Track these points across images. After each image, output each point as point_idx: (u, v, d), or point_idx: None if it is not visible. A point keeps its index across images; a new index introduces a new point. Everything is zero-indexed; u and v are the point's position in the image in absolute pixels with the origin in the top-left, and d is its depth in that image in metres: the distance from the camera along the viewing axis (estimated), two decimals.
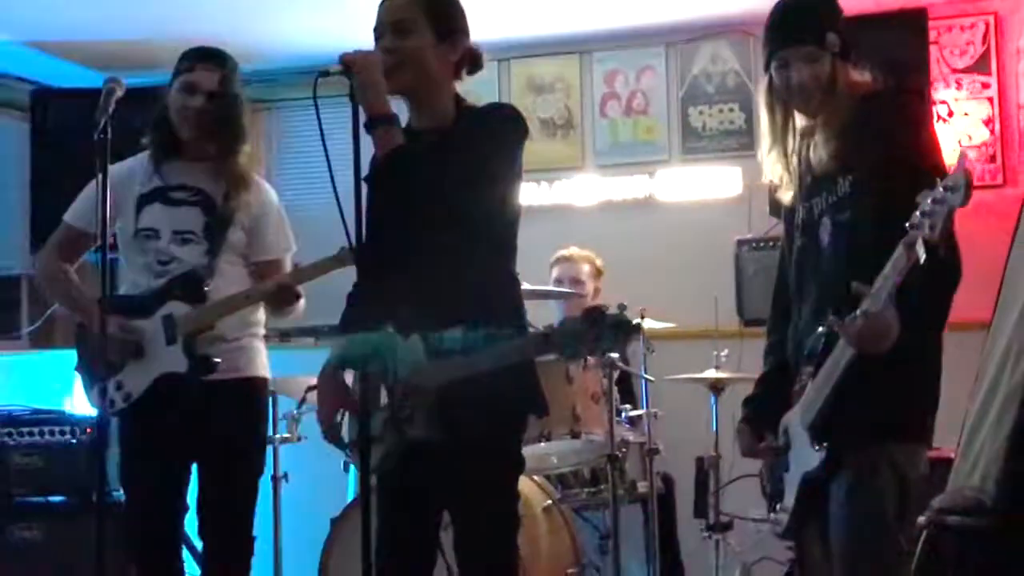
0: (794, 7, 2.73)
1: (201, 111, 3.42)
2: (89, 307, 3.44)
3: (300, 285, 3.42)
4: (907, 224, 2.25)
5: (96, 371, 3.38)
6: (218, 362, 3.36)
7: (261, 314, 3.63)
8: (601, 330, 2.34)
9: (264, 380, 3.62)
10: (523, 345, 2.56)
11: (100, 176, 2.93)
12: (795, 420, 2.65)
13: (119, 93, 3.01)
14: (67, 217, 3.62)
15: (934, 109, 2.87)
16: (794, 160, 2.76)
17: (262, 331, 3.65)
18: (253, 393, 3.57)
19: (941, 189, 2.21)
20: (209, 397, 3.35)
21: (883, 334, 2.35)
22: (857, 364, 2.44)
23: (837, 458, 2.55)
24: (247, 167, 3.52)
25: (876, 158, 2.54)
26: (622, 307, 2.45)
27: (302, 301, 3.50)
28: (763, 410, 2.82)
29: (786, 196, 2.81)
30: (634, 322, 2.39)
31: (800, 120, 2.75)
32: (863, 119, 2.61)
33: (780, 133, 2.76)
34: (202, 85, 3.42)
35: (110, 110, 2.95)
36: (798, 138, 2.76)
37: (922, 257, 2.22)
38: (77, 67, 5.91)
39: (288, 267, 3.59)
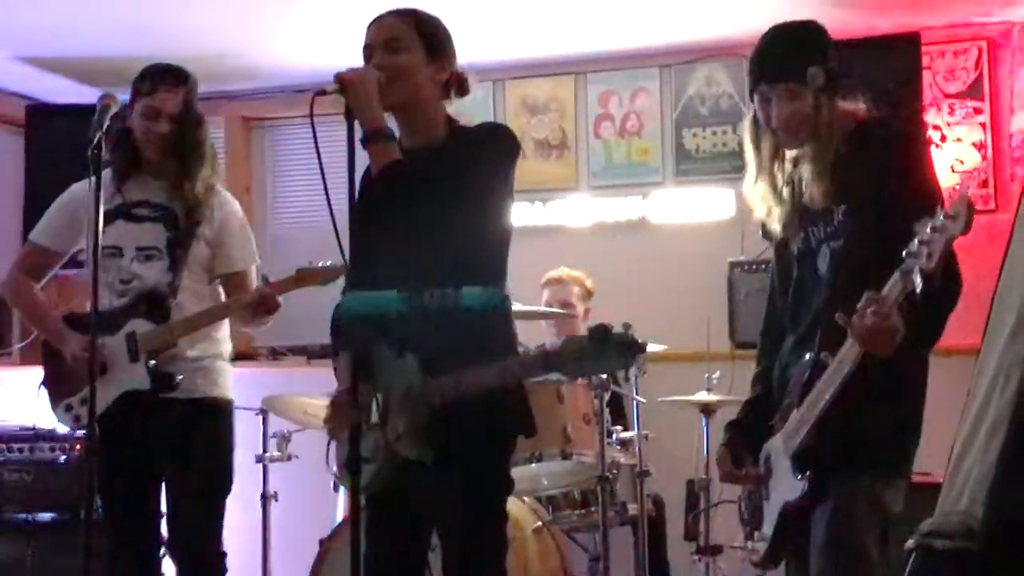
0: (777, 41, 2.70)
1: (166, 136, 3.46)
2: (53, 324, 3.56)
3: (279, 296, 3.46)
4: (904, 252, 2.25)
5: (60, 387, 3.46)
6: (180, 379, 3.41)
7: (225, 335, 3.65)
8: (607, 349, 2.31)
9: (227, 401, 3.63)
10: (524, 364, 2.55)
11: (94, 191, 2.93)
12: (778, 447, 2.62)
13: (114, 109, 3.02)
14: (32, 235, 3.67)
15: (928, 134, 2.82)
16: (786, 190, 2.74)
17: (227, 353, 3.67)
18: (213, 413, 3.58)
19: (942, 217, 2.20)
20: (169, 416, 3.40)
21: (888, 336, 2.33)
22: (843, 396, 2.42)
23: (819, 489, 2.52)
24: (208, 182, 3.54)
25: (871, 188, 2.54)
26: (627, 326, 2.40)
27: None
28: (745, 435, 2.80)
29: (775, 226, 2.78)
30: (641, 341, 2.35)
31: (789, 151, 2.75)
32: (854, 151, 2.61)
33: (767, 164, 2.73)
34: (165, 108, 3.46)
35: (104, 126, 2.96)
36: (788, 166, 2.74)
37: (918, 287, 2.21)
38: (73, 83, 5.92)
39: (253, 278, 3.63)
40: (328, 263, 3.47)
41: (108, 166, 3.52)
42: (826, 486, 2.52)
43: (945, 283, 2.33)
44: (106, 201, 3.48)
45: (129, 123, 3.46)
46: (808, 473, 2.51)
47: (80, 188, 3.55)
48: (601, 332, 2.32)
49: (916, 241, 2.22)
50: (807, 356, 2.57)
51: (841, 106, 2.67)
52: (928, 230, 2.21)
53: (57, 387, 3.54)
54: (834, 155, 2.61)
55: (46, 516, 4.70)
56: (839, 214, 2.61)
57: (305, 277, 3.51)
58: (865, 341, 2.35)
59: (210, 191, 3.56)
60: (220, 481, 3.60)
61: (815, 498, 2.53)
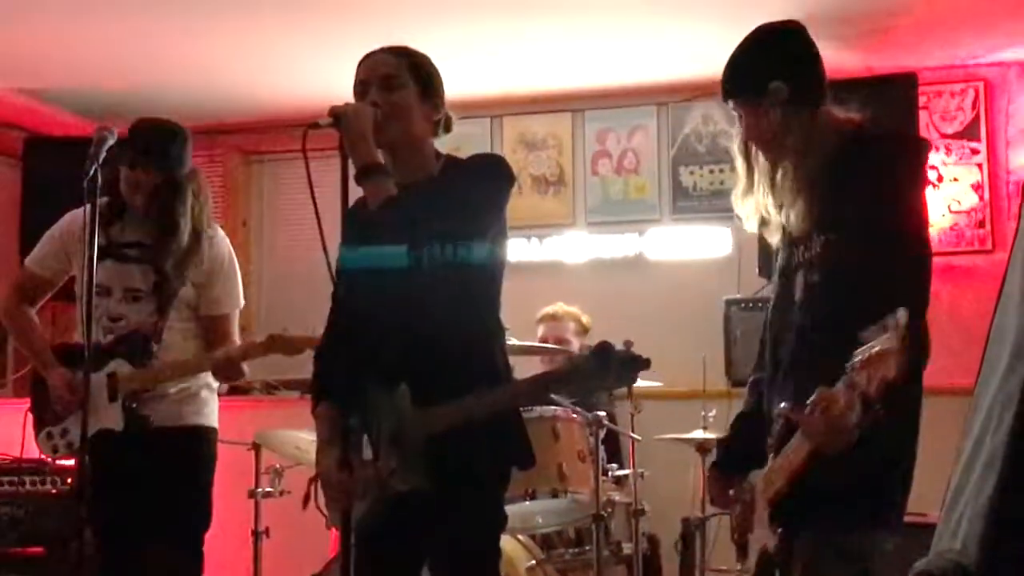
0: (739, 58, 2.59)
1: (144, 206, 3.51)
2: (42, 352, 3.59)
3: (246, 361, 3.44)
4: (848, 364, 2.05)
5: (44, 415, 3.52)
6: (152, 423, 3.42)
7: None
8: (610, 366, 2.28)
9: (211, 430, 3.63)
10: (525, 389, 2.52)
11: (87, 222, 2.94)
12: (759, 488, 2.53)
13: (110, 141, 3.03)
14: (28, 261, 3.70)
15: (926, 162, 2.62)
16: (769, 203, 2.59)
17: (213, 382, 3.66)
18: (196, 443, 3.58)
19: (876, 351, 1.99)
20: (151, 447, 3.40)
21: (842, 436, 2.14)
22: (816, 455, 2.27)
23: (791, 544, 2.42)
24: (186, 244, 3.52)
25: (855, 220, 2.38)
26: (629, 344, 2.36)
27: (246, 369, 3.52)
28: (735, 456, 2.70)
29: (774, 238, 2.65)
30: (645, 358, 2.31)
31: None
32: (841, 169, 2.44)
33: (757, 178, 2.60)
34: (142, 186, 3.49)
35: (101, 158, 2.96)
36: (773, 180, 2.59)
37: (857, 416, 2.06)
38: (71, 116, 5.93)
39: (235, 322, 3.64)
40: (301, 332, 3.47)
41: (103, 199, 3.54)
42: (798, 543, 2.42)
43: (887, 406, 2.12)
44: (97, 236, 3.51)
45: (120, 173, 3.48)
46: (780, 530, 2.42)
47: (73, 218, 3.58)
48: (603, 349, 2.28)
49: (857, 358, 2.03)
50: (783, 404, 2.42)
51: (831, 115, 2.54)
52: (865, 355, 2.01)
53: (41, 415, 3.57)
54: (819, 171, 2.46)
55: (36, 550, 4.65)
56: (818, 244, 2.46)
57: (275, 344, 3.47)
58: (813, 441, 2.22)
59: (196, 240, 3.56)
60: (201, 512, 3.61)
61: (787, 553, 2.43)
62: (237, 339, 3.64)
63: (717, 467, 2.76)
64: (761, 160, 2.59)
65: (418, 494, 2.47)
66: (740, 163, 2.65)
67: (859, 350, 2.03)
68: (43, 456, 3.60)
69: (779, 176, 2.52)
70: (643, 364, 2.29)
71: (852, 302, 2.25)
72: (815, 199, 2.45)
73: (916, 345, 2.14)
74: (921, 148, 2.61)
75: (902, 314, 1.96)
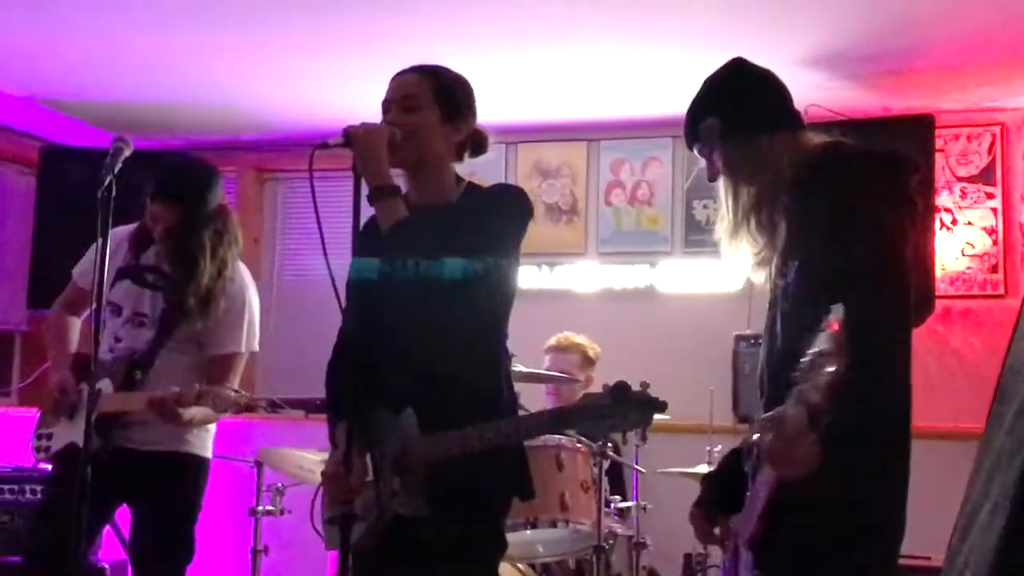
0: (688, 108, 2.59)
1: (161, 240, 3.52)
2: (59, 358, 3.61)
3: (190, 409, 3.34)
4: (795, 372, 1.91)
5: (44, 417, 3.55)
6: (128, 446, 3.38)
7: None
8: (626, 407, 2.25)
9: (193, 457, 3.57)
10: (536, 421, 2.49)
11: (100, 234, 2.92)
12: (737, 530, 2.43)
13: (126, 153, 3.01)
14: (74, 272, 3.72)
15: (903, 180, 2.32)
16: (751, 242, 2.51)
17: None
18: (175, 470, 3.52)
19: (816, 352, 1.85)
20: (124, 470, 3.35)
21: (796, 460, 1.97)
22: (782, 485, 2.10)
23: None
24: (208, 284, 3.48)
25: (815, 244, 2.26)
26: (645, 384, 2.33)
27: (199, 414, 3.41)
28: (719, 493, 2.61)
29: (758, 276, 2.57)
30: (662, 400, 2.28)
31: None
32: (804, 190, 2.32)
33: (742, 216, 2.50)
34: (160, 220, 3.49)
35: (116, 169, 2.95)
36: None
37: (802, 424, 1.89)
38: (87, 126, 5.95)
39: (238, 366, 3.59)
40: (233, 391, 3.42)
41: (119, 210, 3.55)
42: None
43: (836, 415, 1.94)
44: (123, 259, 3.55)
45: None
46: (757, 572, 2.30)
47: (115, 233, 3.53)
48: (621, 390, 2.25)
49: (800, 371, 1.89)
50: (755, 436, 2.21)
51: (796, 140, 2.44)
52: (808, 362, 1.87)
53: (44, 416, 3.58)
54: (782, 197, 2.36)
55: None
56: (792, 271, 2.35)
57: (204, 398, 3.36)
58: (773, 465, 2.05)
59: (219, 279, 3.52)
60: (176, 546, 3.53)
61: None
62: (236, 381, 3.59)
63: (699, 505, 2.64)
64: (742, 196, 2.50)
65: (418, 519, 2.46)
66: (723, 203, 2.56)
67: (801, 361, 1.90)
68: (36, 456, 3.59)
69: (752, 217, 2.45)
70: (660, 406, 2.26)
71: (812, 329, 2.02)
72: (781, 226, 2.37)
73: (871, 368, 2.02)
74: (895, 166, 2.38)
75: (836, 311, 1.84)
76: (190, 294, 3.45)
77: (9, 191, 6.26)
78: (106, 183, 2.91)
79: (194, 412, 3.38)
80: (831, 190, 2.27)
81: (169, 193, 3.48)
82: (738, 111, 2.49)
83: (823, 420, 1.88)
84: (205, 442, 3.61)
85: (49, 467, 3.62)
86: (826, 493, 2.09)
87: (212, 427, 3.63)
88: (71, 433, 3.42)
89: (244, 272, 3.66)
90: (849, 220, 2.21)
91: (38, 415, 3.60)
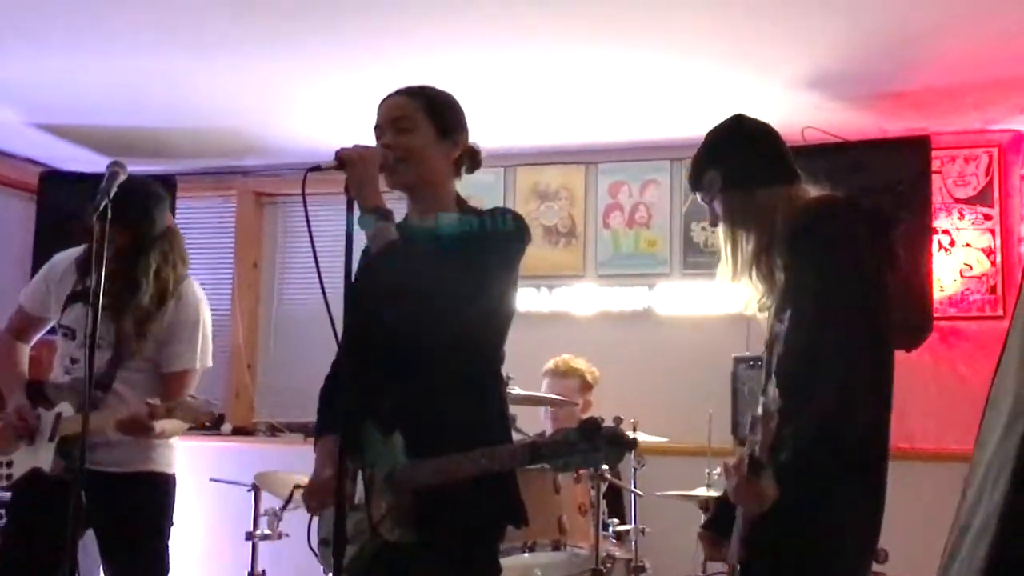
0: (693, 159, 2.79)
1: (111, 261, 3.48)
2: (10, 383, 3.63)
3: (160, 421, 3.38)
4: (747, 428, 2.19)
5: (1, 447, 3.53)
6: (93, 468, 3.33)
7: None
8: (596, 443, 2.27)
9: (158, 475, 3.59)
10: (510, 453, 2.50)
11: (95, 258, 2.93)
12: (731, 553, 2.54)
13: (122, 177, 3.03)
14: (21, 297, 3.76)
15: (875, 226, 2.59)
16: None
17: (170, 427, 3.58)
18: (144, 489, 3.55)
19: (759, 413, 2.13)
20: (93, 490, 3.31)
21: (754, 498, 2.29)
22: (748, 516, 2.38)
23: None
24: (156, 297, 3.54)
25: (800, 294, 2.47)
26: (618, 420, 2.38)
27: (170, 426, 3.46)
28: (727, 517, 2.68)
29: (760, 316, 2.74)
30: (631, 437, 2.32)
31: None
32: (795, 241, 2.52)
33: (743, 263, 2.70)
34: (112, 242, 3.47)
35: (111, 193, 2.96)
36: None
37: (744, 473, 2.20)
38: (86, 151, 5.97)
39: (192, 381, 3.63)
40: (204, 404, 3.45)
41: (84, 246, 3.56)
42: None
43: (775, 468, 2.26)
44: (74, 284, 3.59)
45: None
46: None
47: (60, 259, 3.69)
48: (590, 427, 2.28)
49: (749, 423, 2.17)
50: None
51: (792, 192, 2.63)
52: (751, 417, 2.16)
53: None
54: (777, 248, 2.56)
55: None
56: (786, 317, 2.51)
57: (177, 411, 3.42)
58: (734, 499, 2.37)
59: (160, 300, 3.57)
60: (150, 565, 3.55)
61: None
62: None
63: (707, 527, 2.82)
64: (742, 244, 2.69)
65: (406, 544, 2.45)
66: (722, 250, 2.74)
67: (752, 415, 2.15)
68: None
69: (749, 259, 2.64)
70: (629, 444, 2.31)
71: (789, 375, 2.35)
72: (778, 275, 2.56)
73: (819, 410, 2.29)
74: (877, 222, 2.60)
75: (772, 390, 2.12)
76: (128, 315, 3.50)
77: (9, 216, 6.26)
78: (100, 207, 2.92)
79: (164, 424, 3.41)
80: (820, 245, 2.46)
81: (121, 216, 3.48)
82: (737, 166, 2.68)
83: (771, 465, 2.18)
84: (170, 459, 3.63)
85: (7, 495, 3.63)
86: (790, 519, 2.31)
87: (175, 444, 3.65)
88: (33, 459, 3.44)
89: (196, 289, 3.69)
90: (826, 281, 2.41)
91: None
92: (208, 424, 3.58)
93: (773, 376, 2.45)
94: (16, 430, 3.46)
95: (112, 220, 3.45)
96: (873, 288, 2.47)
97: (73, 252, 3.64)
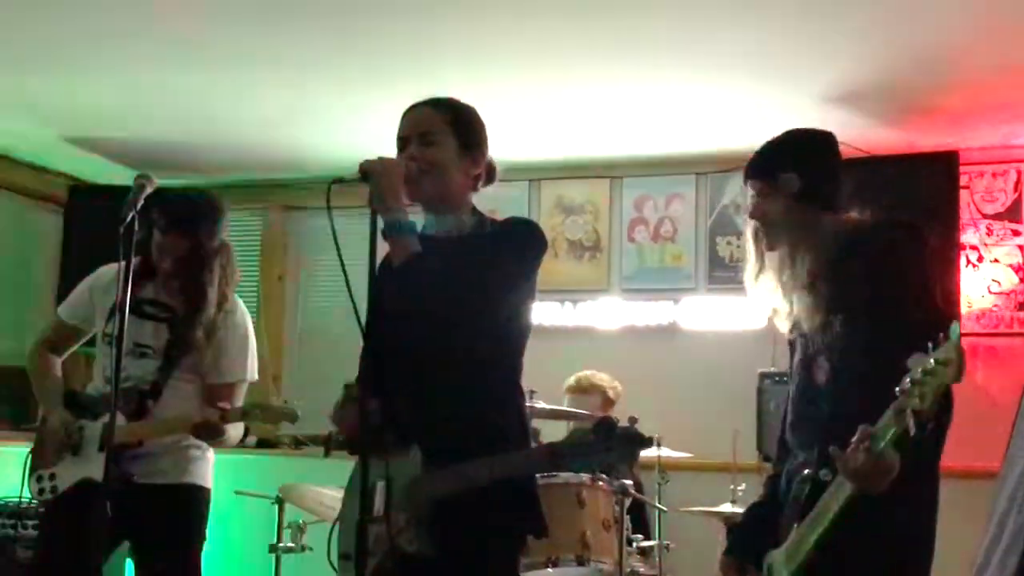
0: (766, 145, 2.74)
1: (170, 274, 3.56)
2: (51, 397, 3.61)
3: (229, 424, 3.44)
4: (897, 389, 2.12)
5: (39, 459, 3.53)
6: (135, 479, 3.39)
7: None
8: (611, 442, 2.26)
9: (196, 488, 3.60)
10: (527, 458, 2.49)
11: (123, 270, 2.94)
12: (779, 563, 2.53)
13: (149, 189, 3.05)
14: (59, 309, 3.77)
15: (927, 244, 2.72)
16: (779, 293, 2.69)
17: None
18: (181, 501, 3.55)
19: (932, 361, 2.06)
20: (134, 503, 3.34)
21: (883, 473, 2.23)
22: (844, 519, 2.33)
23: None
24: (211, 322, 3.56)
25: (861, 301, 2.47)
26: (633, 420, 2.35)
27: (234, 432, 3.52)
28: (748, 541, 2.73)
29: (784, 326, 2.75)
30: (646, 435, 2.30)
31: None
32: (848, 257, 2.54)
33: (766, 264, 2.71)
34: (170, 252, 3.53)
35: (139, 205, 2.98)
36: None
37: (912, 430, 2.10)
38: (115, 165, 6.01)
39: (241, 393, 3.65)
40: (284, 403, 3.55)
41: (137, 258, 3.58)
42: None
43: (939, 418, 2.22)
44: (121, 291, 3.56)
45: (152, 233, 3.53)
46: None
47: (105, 271, 3.65)
48: (605, 426, 2.27)
49: (908, 380, 2.10)
50: (806, 471, 2.49)
51: (840, 220, 2.63)
52: (920, 371, 2.08)
53: (37, 458, 3.57)
54: (820, 270, 2.56)
55: None
56: (837, 324, 2.54)
57: (253, 413, 3.50)
58: (856, 480, 2.26)
59: (218, 312, 3.59)
60: (181, 571, 3.56)
61: None
62: None
63: (729, 553, 2.78)
64: (771, 252, 2.69)
65: (425, 557, 2.44)
66: (751, 248, 2.75)
67: (909, 373, 2.07)
68: (34, 498, 3.58)
69: (785, 272, 2.63)
70: (645, 442, 2.30)
71: (876, 372, 2.26)
72: (822, 291, 2.55)
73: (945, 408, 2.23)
74: (918, 233, 2.69)
75: (955, 327, 2.02)
76: (198, 326, 3.52)
77: (38, 228, 6.32)
78: (128, 219, 2.94)
79: (228, 430, 3.46)
80: (870, 257, 2.50)
81: (179, 226, 3.52)
82: (819, 183, 2.66)
83: (925, 426, 2.09)
84: (207, 472, 3.64)
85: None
86: (874, 532, 2.32)
87: (212, 458, 3.66)
88: (82, 469, 3.43)
89: (241, 304, 3.73)
90: (890, 287, 2.45)
91: (30, 457, 3.59)
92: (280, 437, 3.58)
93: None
94: (58, 443, 3.47)
95: (175, 229, 3.50)
96: (926, 288, 2.53)
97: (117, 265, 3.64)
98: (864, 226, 2.62)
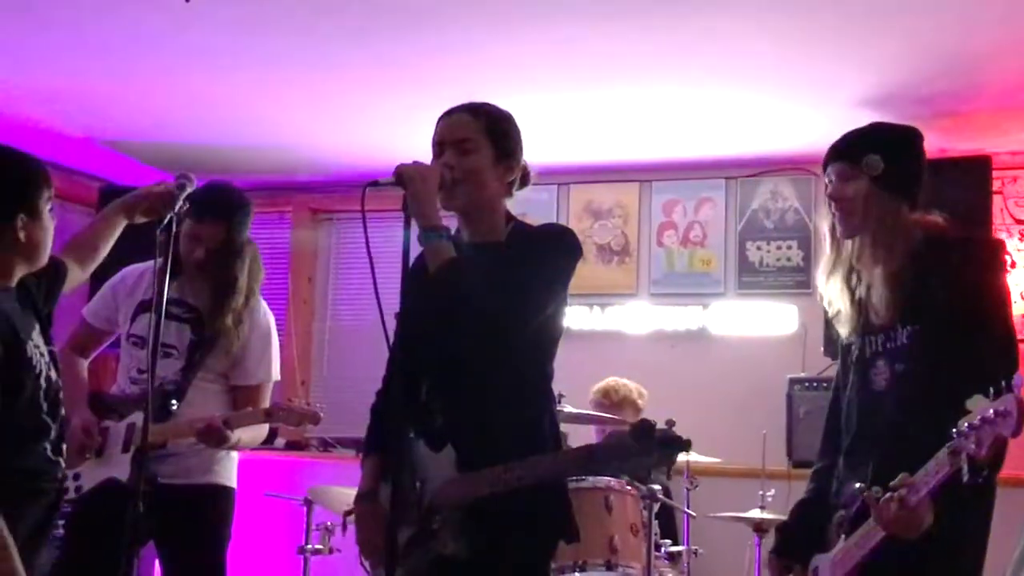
0: (851, 132, 2.71)
1: (201, 262, 3.54)
2: (77, 398, 3.57)
3: (233, 430, 3.42)
4: (955, 430, 2.12)
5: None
6: (158, 479, 3.37)
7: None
8: (649, 446, 2.23)
9: (220, 487, 3.60)
10: (564, 460, 2.48)
11: (159, 270, 2.94)
12: (825, 569, 2.52)
13: (189, 189, 3.05)
14: (84, 311, 3.77)
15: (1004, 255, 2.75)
16: (858, 291, 2.66)
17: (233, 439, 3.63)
18: (205, 501, 3.56)
19: (991, 412, 2.06)
20: (158, 503, 3.31)
21: (915, 525, 2.24)
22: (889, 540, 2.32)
23: None
24: (239, 314, 3.56)
25: (940, 311, 2.46)
26: (671, 423, 2.33)
27: (247, 435, 3.51)
28: (795, 542, 2.71)
29: (843, 329, 2.72)
30: (684, 438, 2.29)
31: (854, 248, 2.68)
32: (925, 265, 2.51)
33: (840, 261, 2.69)
34: (204, 240, 3.52)
35: (177, 206, 2.99)
36: (853, 269, 2.68)
37: (965, 476, 2.11)
38: (145, 167, 6.04)
39: (266, 395, 3.65)
40: (305, 404, 3.54)
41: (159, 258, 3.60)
42: None
43: (990, 475, 2.24)
44: (145, 292, 3.58)
45: (180, 230, 3.52)
46: None
47: (130, 271, 3.67)
48: (644, 429, 2.25)
49: (966, 423, 2.10)
50: (858, 485, 2.46)
51: (918, 216, 2.60)
52: (979, 419, 2.08)
53: None
54: (900, 265, 2.54)
55: None
56: (904, 335, 2.52)
57: (275, 415, 3.51)
58: (887, 528, 2.27)
59: (245, 306, 3.60)
60: (206, 571, 3.57)
61: None
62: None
63: (776, 552, 2.76)
64: (848, 244, 2.66)
65: (458, 560, 2.43)
66: (827, 241, 2.71)
67: (967, 417, 2.08)
68: None
69: (864, 262, 2.61)
70: (683, 445, 2.27)
71: (945, 387, 2.30)
72: (899, 289, 2.53)
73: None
74: (998, 246, 2.79)
75: (1018, 378, 2.03)
76: (227, 313, 3.52)
77: (70, 230, 6.35)
78: (167, 218, 2.95)
79: (239, 435, 3.44)
80: (952, 267, 2.49)
81: (216, 212, 3.52)
82: (902, 171, 2.62)
83: (979, 472, 2.11)
84: (231, 473, 3.65)
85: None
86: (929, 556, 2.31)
87: (236, 457, 3.67)
88: (106, 470, 3.44)
89: (264, 303, 3.73)
90: (973, 297, 2.46)
91: None
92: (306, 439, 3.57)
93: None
94: (83, 444, 3.47)
95: (209, 216, 3.49)
96: (1005, 298, 2.57)
97: (144, 265, 3.63)
98: (948, 233, 2.59)
